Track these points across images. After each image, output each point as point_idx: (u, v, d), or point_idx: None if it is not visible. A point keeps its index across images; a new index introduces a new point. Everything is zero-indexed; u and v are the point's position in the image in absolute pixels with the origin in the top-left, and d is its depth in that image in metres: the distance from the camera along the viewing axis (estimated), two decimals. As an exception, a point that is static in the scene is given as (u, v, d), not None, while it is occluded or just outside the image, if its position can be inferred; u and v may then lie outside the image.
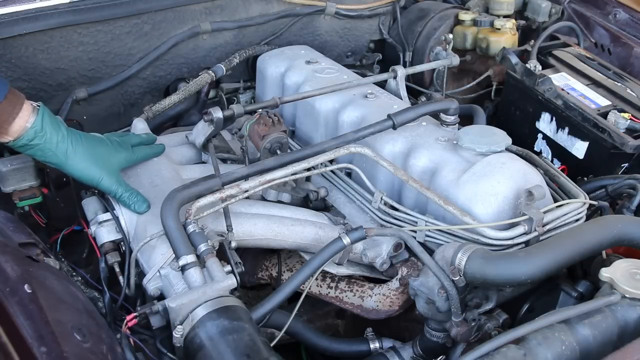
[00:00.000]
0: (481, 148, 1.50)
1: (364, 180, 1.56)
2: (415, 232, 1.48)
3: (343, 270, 1.53)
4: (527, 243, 1.37)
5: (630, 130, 1.83)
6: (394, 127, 1.60)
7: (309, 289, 1.51)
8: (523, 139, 2.05)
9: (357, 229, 1.37)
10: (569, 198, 1.49)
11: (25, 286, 1.09)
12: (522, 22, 2.42)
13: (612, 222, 1.32)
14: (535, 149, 2.09)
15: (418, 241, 1.40)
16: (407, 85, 2.00)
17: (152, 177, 1.57)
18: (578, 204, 1.46)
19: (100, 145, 1.47)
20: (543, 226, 1.38)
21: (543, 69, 2.09)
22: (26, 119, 1.36)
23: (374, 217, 1.59)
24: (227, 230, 1.40)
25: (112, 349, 1.14)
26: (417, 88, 2.34)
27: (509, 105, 2.19)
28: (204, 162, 1.77)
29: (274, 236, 1.48)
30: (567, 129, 1.96)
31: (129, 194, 1.46)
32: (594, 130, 1.86)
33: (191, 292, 1.20)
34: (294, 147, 1.85)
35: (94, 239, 1.47)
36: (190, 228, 1.31)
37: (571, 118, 1.93)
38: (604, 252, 1.37)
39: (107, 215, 1.48)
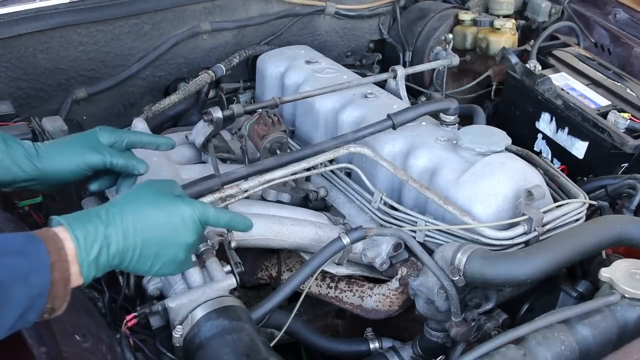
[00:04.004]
0: (481, 148, 1.50)
1: (364, 180, 1.56)
2: (415, 232, 1.48)
3: (343, 270, 1.53)
4: (526, 243, 1.37)
5: (630, 130, 1.83)
6: (394, 127, 1.60)
7: (309, 288, 1.51)
8: (523, 139, 2.05)
9: (357, 228, 1.37)
10: (569, 198, 1.49)
11: (25, 286, 1.09)
12: (522, 22, 2.42)
13: (611, 222, 1.32)
14: (535, 149, 2.09)
15: (418, 241, 1.40)
16: (407, 85, 1.99)
17: (151, 177, 1.56)
18: (578, 204, 1.45)
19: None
20: (543, 226, 1.37)
21: (543, 69, 2.09)
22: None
23: (374, 217, 1.58)
24: (227, 230, 1.40)
25: (112, 349, 1.14)
26: (417, 88, 2.34)
27: (508, 105, 2.19)
28: (203, 162, 1.77)
29: (273, 236, 1.48)
30: (567, 129, 1.96)
31: (125, 159, 1.30)
32: (593, 130, 1.86)
33: (191, 292, 1.20)
34: (293, 147, 1.85)
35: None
36: (190, 228, 1.31)
37: (571, 118, 1.93)
38: (603, 252, 1.37)
39: (107, 215, 1.47)
